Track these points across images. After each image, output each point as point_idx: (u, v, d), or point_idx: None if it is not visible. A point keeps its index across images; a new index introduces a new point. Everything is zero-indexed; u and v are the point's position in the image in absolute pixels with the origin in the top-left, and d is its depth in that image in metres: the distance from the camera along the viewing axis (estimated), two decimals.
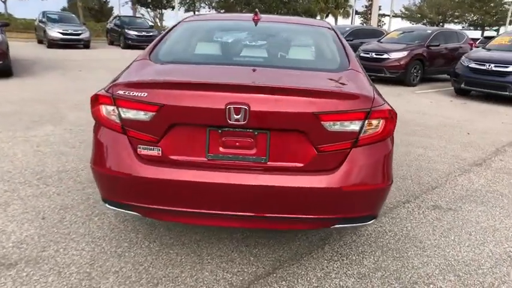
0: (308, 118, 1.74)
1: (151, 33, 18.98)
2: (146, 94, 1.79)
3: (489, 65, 7.84)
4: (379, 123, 1.83)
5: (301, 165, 1.81)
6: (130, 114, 1.84)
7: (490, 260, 2.30)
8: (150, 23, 24.28)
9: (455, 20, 41.66)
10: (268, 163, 1.81)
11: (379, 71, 9.89)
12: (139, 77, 1.95)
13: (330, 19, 54.09)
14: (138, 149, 1.86)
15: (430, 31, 11.01)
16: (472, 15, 38.76)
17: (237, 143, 1.81)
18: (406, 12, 44.75)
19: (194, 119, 1.78)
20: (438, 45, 10.42)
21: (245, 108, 1.71)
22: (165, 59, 2.22)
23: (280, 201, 1.82)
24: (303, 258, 2.22)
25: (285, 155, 1.81)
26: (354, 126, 1.79)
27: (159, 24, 36.71)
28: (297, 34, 2.87)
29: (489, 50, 8.82)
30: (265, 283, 2.00)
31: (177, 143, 1.83)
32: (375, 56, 10.08)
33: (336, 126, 1.77)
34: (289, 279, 2.04)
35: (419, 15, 42.99)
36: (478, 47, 12.01)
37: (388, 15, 37.71)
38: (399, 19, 46.94)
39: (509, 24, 35.96)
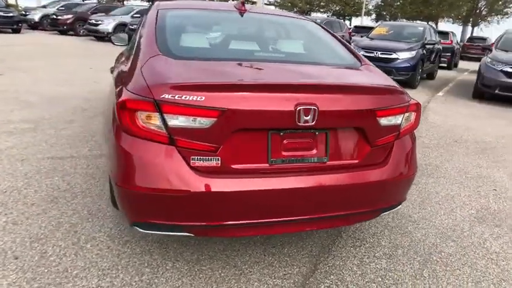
0: (367, 115, 1.77)
1: (10, 14, 16.00)
2: (204, 98, 1.54)
3: (376, 53, 9.03)
4: (411, 115, 1.97)
5: (357, 161, 1.84)
6: (181, 121, 1.56)
7: (465, 223, 2.75)
8: (3, 2, 20.36)
9: (321, 10, 46.14)
10: (328, 162, 1.78)
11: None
12: (182, 77, 1.65)
13: None
14: (192, 161, 1.60)
15: (319, 20, 12.04)
16: (335, 5, 43.48)
17: (298, 145, 1.72)
18: (279, 1, 47.61)
19: (259, 123, 1.63)
20: None
21: (314, 109, 1.64)
22: (185, 55, 1.93)
23: (342, 199, 1.82)
24: (332, 250, 2.28)
25: (343, 153, 1.81)
26: (398, 119, 1.89)
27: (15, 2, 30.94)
28: (293, 27, 2.82)
29: (372, 39, 10.14)
30: (317, 280, 2.00)
31: (236, 150, 1.64)
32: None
33: (387, 121, 1.84)
34: (334, 272, 2.08)
35: (290, 4, 46.31)
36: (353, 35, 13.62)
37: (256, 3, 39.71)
38: (272, 7, 49.81)
39: (365, 15, 41.93)
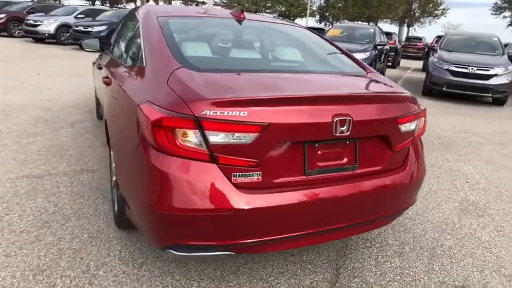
0: (391, 122, 1.84)
1: None
2: (246, 113, 1.50)
3: None
4: (421, 121, 2.08)
5: (380, 167, 1.90)
6: (222, 138, 1.50)
7: (454, 216, 2.96)
8: None
9: (268, 11, 46.81)
10: (357, 170, 1.82)
11: None
12: (220, 92, 1.58)
13: (151, 4, 52.24)
14: (234, 178, 1.55)
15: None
16: (281, 6, 44.34)
17: (331, 155, 1.74)
18: (225, 1, 47.55)
19: (299, 136, 1.61)
20: None
21: (349, 119, 1.67)
22: (206, 67, 1.85)
23: (370, 205, 1.87)
24: (347, 253, 2.34)
25: (369, 160, 1.86)
26: (413, 125, 1.98)
27: None
28: (296, 35, 2.81)
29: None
30: (343, 285, 2.03)
31: (275, 164, 1.61)
32: None
33: (405, 127, 1.92)
34: (356, 274, 2.13)
35: (236, 4, 46.46)
36: None
37: (206, 3, 39.45)
38: (218, 8, 49.59)
39: (309, 16, 43.29)
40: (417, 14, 38.60)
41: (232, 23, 2.60)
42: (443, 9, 37.35)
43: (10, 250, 2.11)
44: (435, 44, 15.37)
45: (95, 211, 2.59)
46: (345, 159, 1.78)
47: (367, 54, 9.41)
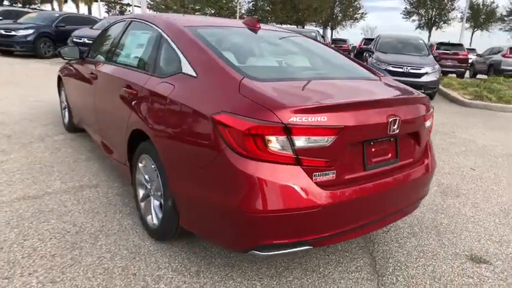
0: (421, 120, 2.11)
1: None
2: (326, 118, 1.64)
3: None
4: (432, 118, 2.41)
5: (411, 160, 2.16)
6: (305, 141, 1.63)
7: (438, 198, 3.39)
8: None
9: (197, 13, 46.44)
10: (398, 164, 2.06)
11: None
12: (299, 100, 1.69)
13: (70, 5, 48.70)
14: (314, 177, 1.68)
15: None
16: (211, 9, 44.31)
17: (381, 151, 1.95)
18: (152, 3, 46.13)
19: (363, 135, 1.80)
20: None
21: (399, 119, 1.90)
22: (265, 77, 1.94)
23: (407, 193, 2.12)
24: (372, 239, 2.58)
25: (405, 154, 2.11)
26: (430, 122, 2.29)
27: None
28: (313, 44, 2.95)
29: None
30: (383, 267, 2.26)
31: (343, 162, 1.78)
32: (86, 41, 10.71)
33: (427, 124, 2.22)
34: (389, 256, 2.37)
35: (164, 6, 45.35)
36: None
37: (131, 5, 38.13)
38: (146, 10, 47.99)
39: (239, 18, 43.90)
40: (339, 18, 41.38)
41: (254, 33, 2.70)
42: (362, 13, 40.63)
43: (53, 276, 1.98)
44: (364, 46, 16.77)
45: (121, 226, 2.50)
46: (390, 155, 2.02)
47: None
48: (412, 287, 2.10)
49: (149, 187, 2.37)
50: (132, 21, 3.03)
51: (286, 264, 2.22)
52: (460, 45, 17.03)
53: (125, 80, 2.52)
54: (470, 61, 17.91)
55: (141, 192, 2.50)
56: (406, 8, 40.32)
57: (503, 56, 15.55)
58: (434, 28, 39.10)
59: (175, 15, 2.81)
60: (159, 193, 2.25)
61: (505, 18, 36.28)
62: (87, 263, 2.10)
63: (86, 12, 43.69)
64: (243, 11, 46.68)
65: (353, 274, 2.18)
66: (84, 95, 3.55)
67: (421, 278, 2.18)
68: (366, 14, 41.68)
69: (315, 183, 1.69)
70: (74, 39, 11.52)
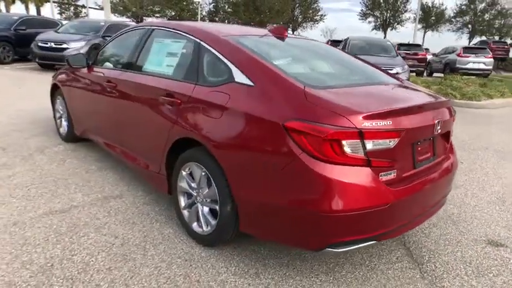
0: (451, 120, 2.33)
1: None
2: (391, 122, 1.79)
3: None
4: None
5: (444, 157, 2.37)
6: (374, 144, 1.77)
7: None
8: None
9: (157, 15, 45.50)
10: (435, 160, 2.26)
11: (61, 60, 10.45)
12: (366, 106, 1.82)
13: (19, 5, 45.96)
14: (381, 177, 1.82)
15: (103, 23, 12.45)
16: (171, 11, 43.58)
17: (424, 150, 2.14)
18: (110, 5, 44.59)
19: (416, 137, 1.97)
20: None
21: (441, 121, 2.09)
22: (321, 85, 2.06)
23: (443, 188, 2.33)
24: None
25: (439, 152, 2.31)
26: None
27: None
28: (336, 51, 3.07)
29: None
30: (420, 255, 2.45)
31: (400, 162, 1.94)
32: (54, 45, 10.76)
33: (453, 124, 2.45)
34: (421, 246, 2.57)
35: (122, 8, 44.00)
36: None
37: (86, 7, 36.78)
38: (102, 11, 46.29)
39: (200, 20, 43.57)
40: (300, 20, 42.33)
41: (286, 41, 2.80)
42: (321, 15, 41.86)
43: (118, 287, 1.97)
44: None
45: (163, 235, 2.51)
46: (429, 153, 2.21)
47: None
48: (450, 271, 2.31)
49: (195, 194, 2.40)
50: (154, 29, 3.02)
51: (335, 260, 2.35)
52: (419, 45, 18.13)
53: (163, 89, 2.53)
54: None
55: (183, 200, 2.52)
56: (362, 10, 42.15)
57: (458, 55, 16.76)
58: (389, 29, 41.15)
59: (204, 24, 2.84)
60: (209, 199, 2.30)
61: (453, 20, 39.08)
62: (147, 274, 2.11)
63: (35, 14, 41.27)
64: (204, 13, 46.39)
65: (396, 264, 2.35)
66: (95, 104, 3.47)
67: (454, 263, 2.40)
68: (325, 16, 43.06)
69: (382, 182, 1.83)
70: (39, 44, 10.93)
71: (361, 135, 1.73)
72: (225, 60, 2.25)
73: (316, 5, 41.90)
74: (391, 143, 1.83)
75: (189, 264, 2.22)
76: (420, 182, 2.06)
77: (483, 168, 4.48)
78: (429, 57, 20.88)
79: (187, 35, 2.61)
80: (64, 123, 4.38)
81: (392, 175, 1.89)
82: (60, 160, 3.82)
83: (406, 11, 40.31)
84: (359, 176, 1.76)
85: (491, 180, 4.04)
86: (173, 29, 2.79)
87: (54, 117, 4.65)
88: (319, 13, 41.72)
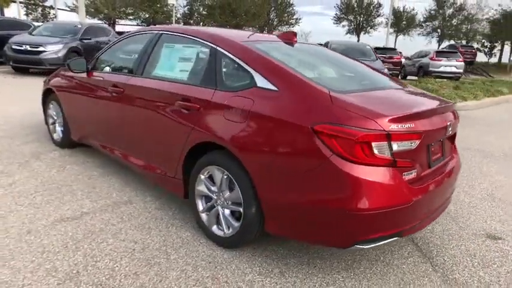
0: (457, 122, 2.48)
1: None
2: (413, 125, 1.91)
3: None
4: None
5: (450, 157, 2.53)
6: (400, 146, 1.89)
7: None
8: None
9: (130, 17, 44.65)
10: (444, 160, 2.40)
11: (37, 63, 10.43)
12: (390, 110, 1.93)
13: None
14: (404, 176, 1.94)
15: (80, 26, 12.25)
16: (145, 13, 42.89)
17: (435, 151, 2.27)
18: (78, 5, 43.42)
19: (432, 138, 2.10)
20: (90, 39, 11.77)
21: (451, 123, 2.24)
22: (342, 89, 2.16)
23: (452, 185, 2.47)
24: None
25: (447, 152, 2.46)
26: None
27: None
28: (339, 56, 3.18)
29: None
30: (428, 251, 2.60)
31: (418, 162, 2.06)
32: (29, 48, 10.38)
33: (457, 126, 2.61)
34: (431, 244, 2.73)
35: (94, 10, 42.93)
36: None
37: (55, 8, 35.76)
38: (72, 13, 44.93)
39: (175, 22, 43.14)
40: (275, 23, 42.73)
41: (298, 46, 2.89)
42: (297, 18, 42.44)
43: None
44: None
45: (182, 239, 2.53)
46: (439, 154, 2.35)
47: None
48: (458, 264, 2.46)
49: (215, 197, 2.44)
50: (162, 33, 3.03)
51: (351, 257, 2.45)
52: (394, 49, 18.78)
53: (178, 94, 2.55)
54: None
55: (201, 204, 2.55)
56: (336, 14, 43.09)
57: (431, 59, 17.48)
58: (362, 33, 42.29)
59: (217, 30, 2.88)
60: (231, 202, 2.35)
61: (423, 24, 40.68)
62: (175, 277, 2.13)
63: None
64: (178, 15, 45.95)
65: (409, 259, 2.48)
66: (98, 109, 3.43)
67: (461, 257, 2.56)
68: (300, 19, 43.70)
69: (406, 181, 1.95)
70: (14, 46, 10.48)
71: (389, 137, 1.84)
72: (245, 66, 2.31)
73: (291, 8, 42.45)
74: (413, 144, 1.95)
75: (214, 266, 2.26)
76: (434, 180, 2.19)
77: (469, 167, 4.73)
78: (403, 60, 21.66)
79: (201, 41, 2.65)
80: (58, 128, 4.29)
81: (413, 174, 2.02)
82: (59, 166, 3.75)
83: (378, 16, 41.62)
84: (386, 176, 1.87)
85: (478, 178, 4.28)
86: (185, 34, 2.82)
87: (47, 122, 4.53)
88: (295, 16, 42.29)
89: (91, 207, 2.91)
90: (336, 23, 43.46)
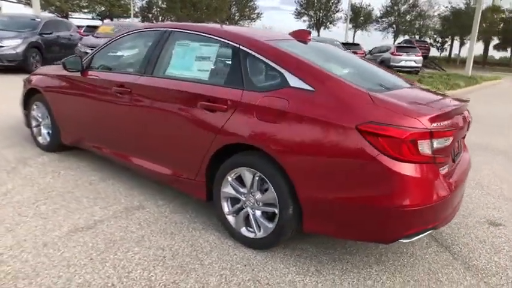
0: (470, 119, 2.63)
1: None
2: (448, 122, 2.00)
3: None
4: None
5: (464, 151, 2.67)
6: (438, 143, 1.97)
7: None
8: None
9: (84, 10, 42.42)
10: (460, 155, 2.53)
11: None
12: (427, 109, 2.00)
13: None
14: (440, 172, 2.03)
15: (38, 19, 11.53)
16: (101, 6, 40.91)
17: (455, 146, 2.39)
18: None
19: (458, 135, 2.21)
20: (51, 33, 11.20)
21: (470, 120, 2.37)
22: (376, 89, 2.23)
23: (467, 178, 2.62)
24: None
25: (462, 147, 2.60)
26: None
27: None
28: (350, 54, 3.20)
29: (98, 37, 10.84)
30: (454, 246, 2.74)
31: (448, 157, 2.16)
32: None
33: None
34: (445, 240, 2.87)
35: (44, 2, 40.30)
36: (87, 35, 14.00)
37: None
38: (16, 4, 41.86)
39: (133, 16, 41.62)
40: (237, 18, 42.54)
41: (313, 45, 2.88)
42: (258, 13, 42.55)
43: None
44: None
45: (210, 243, 2.48)
46: (458, 149, 2.48)
47: None
48: (474, 251, 2.62)
49: (244, 199, 2.41)
50: (172, 31, 2.91)
51: (378, 251, 2.53)
52: (357, 44, 19.42)
53: (200, 94, 2.47)
54: None
55: (227, 206, 2.51)
56: (296, 9, 43.69)
57: (392, 53, 18.26)
58: (322, 28, 43.24)
59: (234, 27, 2.82)
60: (262, 203, 2.33)
61: (379, 20, 42.33)
62: (216, 283, 2.09)
63: None
64: (136, 9, 44.36)
65: (429, 249, 2.60)
66: (99, 110, 3.25)
67: (473, 244, 2.72)
68: (261, 14, 43.82)
69: (443, 176, 2.04)
70: None
71: (431, 135, 1.91)
72: (275, 66, 2.29)
73: (252, 3, 42.45)
74: (447, 141, 2.04)
75: (251, 268, 2.24)
76: (458, 173, 2.32)
77: None
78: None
79: (220, 39, 2.59)
80: (44, 131, 4.02)
81: (446, 169, 2.12)
82: (52, 172, 3.51)
83: (337, 11, 42.72)
84: (429, 173, 1.95)
85: None
86: (201, 32, 2.73)
87: (29, 125, 4.22)
88: (256, 11, 42.34)
89: (103, 215, 2.76)
90: (297, 18, 44.07)
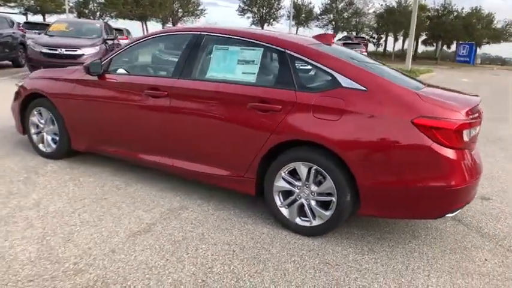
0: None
1: None
2: (476, 114, 2.39)
3: (60, 50, 8.89)
4: None
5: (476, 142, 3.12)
6: (472, 132, 2.37)
7: None
8: None
9: (11, 4, 38.70)
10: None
11: None
12: (459, 104, 2.38)
13: None
14: (471, 155, 2.42)
15: None
16: (31, 1, 37.65)
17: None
18: None
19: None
20: None
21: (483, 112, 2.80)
22: (414, 87, 2.54)
23: None
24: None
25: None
26: None
27: None
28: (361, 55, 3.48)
29: (52, 36, 9.78)
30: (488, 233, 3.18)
31: (474, 143, 2.56)
32: None
33: None
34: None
35: None
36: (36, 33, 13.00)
37: None
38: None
39: (68, 12, 38.84)
40: (180, 14, 41.72)
41: (338, 48, 3.13)
42: (202, 9, 42.10)
43: (288, 285, 2.12)
44: None
45: (268, 235, 2.65)
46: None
47: (97, 48, 9.39)
48: (480, 221, 3.09)
49: (297, 191, 2.62)
50: (205, 35, 3.00)
51: (409, 228, 2.89)
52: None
53: (253, 96, 2.62)
54: None
55: (279, 199, 2.70)
56: (240, 6, 43.97)
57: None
58: (266, 25, 43.94)
59: (271, 32, 2.97)
60: (317, 193, 2.56)
61: (319, 17, 44.13)
62: (293, 268, 2.28)
63: None
64: (71, 4, 41.46)
65: (447, 223, 3.03)
66: (124, 114, 3.23)
67: (478, 216, 3.19)
68: (205, 10, 43.42)
69: (474, 160, 2.44)
70: None
71: (470, 125, 2.30)
72: (325, 68, 2.53)
73: None
74: (476, 129, 2.45)
75: (316, 253, 2.47)
76: (478, 158, 2.74)
77: None
78: None
79: (264, 44, 2.75)
80: (48, 137, 3.85)
81: (474, 153, 2.52)
82: (71, 180, 3.42)
83: (280, 8, 43.74)
84: (468, 156, 2.34)
85: None
86: (240, 36, 2.87)
87: (27, 132, 4.00)
88: (200, 7, 41.87)
89: (151, 218, 2.80)
90: (241, 15, 44.35)
